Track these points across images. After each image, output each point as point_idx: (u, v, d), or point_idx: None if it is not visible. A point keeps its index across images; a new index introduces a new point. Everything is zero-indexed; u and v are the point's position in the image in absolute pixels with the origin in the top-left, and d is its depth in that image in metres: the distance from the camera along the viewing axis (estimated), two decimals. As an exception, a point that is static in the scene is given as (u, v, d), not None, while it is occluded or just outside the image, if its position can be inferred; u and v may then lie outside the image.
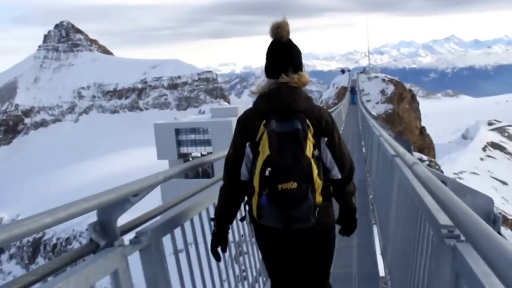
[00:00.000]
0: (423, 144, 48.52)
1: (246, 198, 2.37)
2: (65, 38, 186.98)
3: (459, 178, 50.86)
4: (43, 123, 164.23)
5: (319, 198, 2.15)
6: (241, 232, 3.40)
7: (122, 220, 1.92)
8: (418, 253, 2.31)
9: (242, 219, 2.48)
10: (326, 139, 2.27)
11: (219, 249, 2.47)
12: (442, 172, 41.01)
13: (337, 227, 2.51)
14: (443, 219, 1.75)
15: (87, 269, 1.55)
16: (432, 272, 1.92)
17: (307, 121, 2.19)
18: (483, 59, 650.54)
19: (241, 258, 3.40)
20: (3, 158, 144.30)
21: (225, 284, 2.96)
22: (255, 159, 2.19)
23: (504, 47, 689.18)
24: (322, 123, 2.27)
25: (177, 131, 65.11)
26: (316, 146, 2.21)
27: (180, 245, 2.34)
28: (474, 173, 57.92)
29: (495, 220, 1.71)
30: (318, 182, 2.13)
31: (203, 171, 54.16)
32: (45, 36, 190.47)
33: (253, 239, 3.37)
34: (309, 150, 2.12)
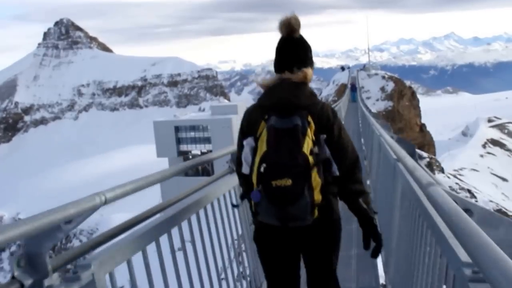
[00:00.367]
0: (423, 141, 48.52)
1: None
2: (65, 35, 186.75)
3: (460, 174, 50.88)
4: (42, 121, 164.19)
5: (318, 197, 2.07)
6: (239, 232, 3.36)
7: (120, 219, 1.84)
8: (425, 276, 2.02)
9: (234, 206, 2.48)
10: (325, 136, 2.22)
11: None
12: (442, 170, 40.97)
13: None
14: (464, 254, 1.39)
15: None
16: None
17: (309, 117, 2.16)
18: (483, 56, 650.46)
19: (240, 258, 3.37)
20: (3, 156, 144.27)
21: (223, 284, 2.93)
22: (254, 155, 2.16)
23: (504, 44, 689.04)
24: (323, 120, 2.23)
25: (177, 129, 65.05)
26: (316, 143, 2.16)
27: (178, 244, 2.30)
28: (474, 169, 57.98)
29: None
30: (317, 180, 2.06)
31: (203, 169, 54.08)
32: (45, 33, 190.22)
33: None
34: (307, 147, 2.07)
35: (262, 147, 2.11)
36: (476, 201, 2.12)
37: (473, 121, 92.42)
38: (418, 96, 57.84)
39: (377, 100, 49.26)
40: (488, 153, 70.43)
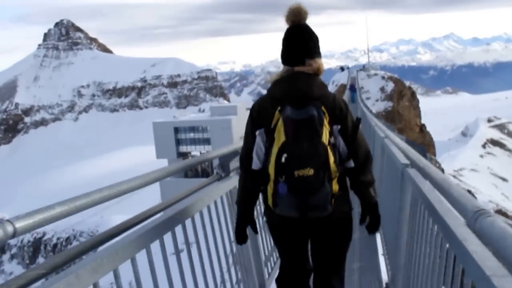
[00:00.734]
0: (423, 141, 48.46)
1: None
2: (65, 36, 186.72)
3: (459, 175, 50.85)
4: (43, 122, 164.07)
5: (335, 187, 2.11)
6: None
7: (119, 219, 1.79)
8: None
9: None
10: (339, 126, 2.23)
11: (248, 230, 2.50)
12: (442, 170, 40.90)
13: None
14: None
15: None
16: None
17: (323, 108, 2.16)
18: (482, 56, 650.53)
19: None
20: (3, 157, 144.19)
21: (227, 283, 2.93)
22: (270, 146, 2.14)
23: (503, 44, 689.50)
24: (336, 110, 2.24)
25: (176, 130, 64.85)
26: (331, 133, 2.17)
27: (180, 244, 2.30)
28: (474, 170, 57.97)
29: None
30: (335, 170, 2.09)
31: (202, 170, 54.03)
32: (45, 34, 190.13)
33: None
34: (325, 137, 2.08)
35: (280, 138, 2.09)
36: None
37: (473, 121, 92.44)
38: (418, 96, 57.83)
39: (377, 100, 49.21)
40: (488, 153, 70.40)
